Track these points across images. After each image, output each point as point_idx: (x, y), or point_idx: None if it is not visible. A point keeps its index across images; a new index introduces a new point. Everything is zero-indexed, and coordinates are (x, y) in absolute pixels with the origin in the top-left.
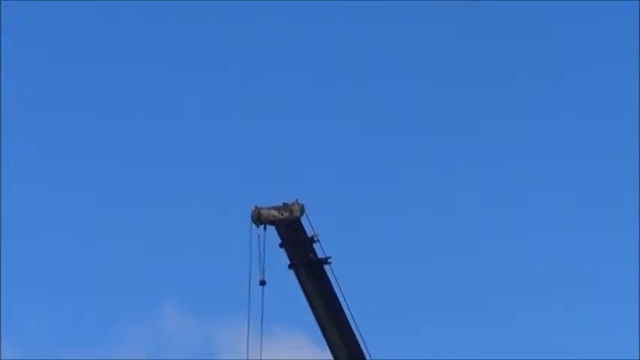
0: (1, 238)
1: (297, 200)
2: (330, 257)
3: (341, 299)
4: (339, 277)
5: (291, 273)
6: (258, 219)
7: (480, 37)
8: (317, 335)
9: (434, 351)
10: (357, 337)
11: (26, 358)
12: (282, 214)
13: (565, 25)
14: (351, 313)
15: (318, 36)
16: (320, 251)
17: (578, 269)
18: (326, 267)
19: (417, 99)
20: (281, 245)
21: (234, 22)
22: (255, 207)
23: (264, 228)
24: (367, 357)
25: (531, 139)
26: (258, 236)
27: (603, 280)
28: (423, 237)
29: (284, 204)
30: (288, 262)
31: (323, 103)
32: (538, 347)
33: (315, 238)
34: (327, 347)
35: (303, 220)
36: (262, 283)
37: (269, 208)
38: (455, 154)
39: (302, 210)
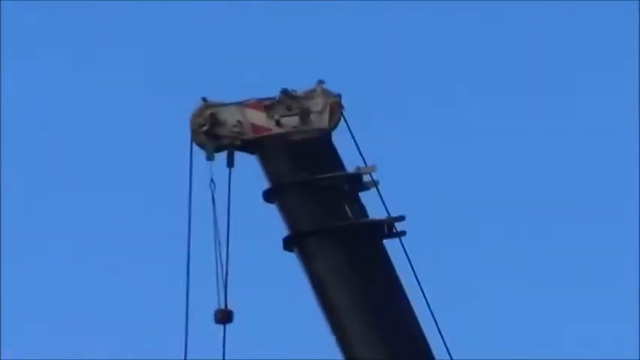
0: None
1: (320, 83)
2: (403, 217)
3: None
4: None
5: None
6: (212, 133)
7: (479, 37)
8: None
9: None
10: None
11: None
12: (277, 121)
13: (564, 24)
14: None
15: None
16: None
17: (578, 267)
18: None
19: None
20: (269, 196)
21: None
22: (205, 102)
23: (230, 163)
24: None
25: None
26: (212, 185)
27: (603, 278)
28: None
29: (284, 93)
30: (285, 235)
31: None
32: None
33: (367, 180)
34: None
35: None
36: (225, 317)
37: (241, 105)
38: None
39: (337, 109)
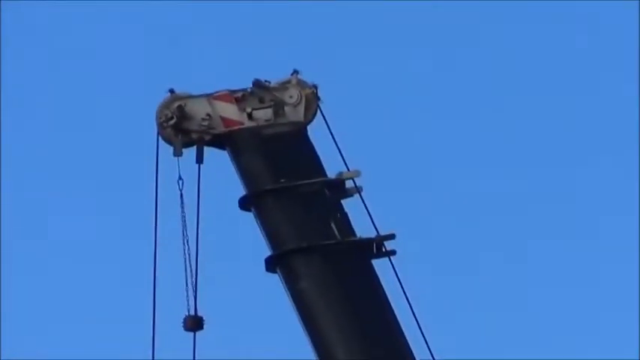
0: None
1: (295, 73)
2: (393, 236)
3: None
4: None
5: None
6: (179, 127)
7: (478, 38)
8: None
9: None
10: None
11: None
12: (249, 114)
13: (564, 24)
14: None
15: None
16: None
17: (577, 268)
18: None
19: None
20: (245, 204)
21: None
22: (172, 93)
23: (199, 159)
24: None
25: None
26: (180, 182)
27: (603, 279)
28: None
29: (257, 84)
30: (268, 256)
31: None
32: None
33: (350, 186)
34: None
35: (312, 133)
36: (195, 324)
37: (210, 97)
38: None
39: (313, 101)
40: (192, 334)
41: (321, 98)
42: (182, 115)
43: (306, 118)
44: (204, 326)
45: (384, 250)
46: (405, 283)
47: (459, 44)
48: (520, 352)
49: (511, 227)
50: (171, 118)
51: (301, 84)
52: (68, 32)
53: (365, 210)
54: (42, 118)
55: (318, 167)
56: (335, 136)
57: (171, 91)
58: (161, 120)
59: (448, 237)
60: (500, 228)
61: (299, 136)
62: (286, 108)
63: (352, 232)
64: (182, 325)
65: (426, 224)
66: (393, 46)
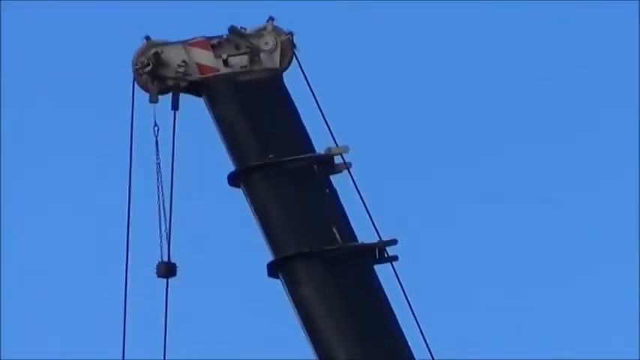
0: None
1: (271, 20)
2: (395, 241)
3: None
4: None
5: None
6: (155, 74)
7: (479, 39)
8: None
9: None
10: None
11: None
12: (225, 61)
13: (564, 24)
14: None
15: None
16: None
17: (577, 268)
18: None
19: None
20: (234, 180)
21: None
22: (147, 40)
23: (175, 106)
24: None
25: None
26: (156, 128)
27: (603, 279)
28: None
29: (233, 30)
30: (271, 260)
31: None
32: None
33: (339, 162)
34: None
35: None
36: (168, 271)
37: (186, 44)
38: None
39: (288, 48)
40: (165, 280)
41: (297, 45)
42: (158, 62)
43: (281, 65)
44: (177, 273)
45: (385, 255)
46: (406, 287)
47: (457, 32)
48: (520, 352)
49: (511, 226)
50: (147, 65)
51: (277, 31)
52: (68, 32)
53: (355, 189)
54: (41, 117)
55: (290, 108)
56: (315, 94)
57: (147, 38)
58: (137, 67)
59: (447, 236)
60: (500, 227)
61: (275, 83)
62: (262, 55)
63: (354, 237)
64: (155, 271)
65: (423, 220)
66: (386, 24)
